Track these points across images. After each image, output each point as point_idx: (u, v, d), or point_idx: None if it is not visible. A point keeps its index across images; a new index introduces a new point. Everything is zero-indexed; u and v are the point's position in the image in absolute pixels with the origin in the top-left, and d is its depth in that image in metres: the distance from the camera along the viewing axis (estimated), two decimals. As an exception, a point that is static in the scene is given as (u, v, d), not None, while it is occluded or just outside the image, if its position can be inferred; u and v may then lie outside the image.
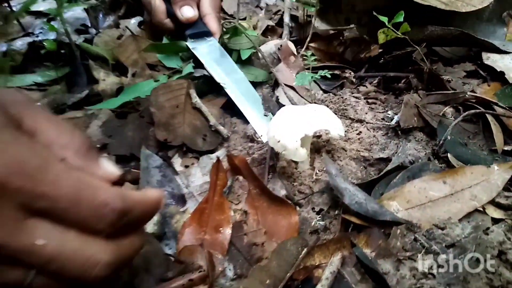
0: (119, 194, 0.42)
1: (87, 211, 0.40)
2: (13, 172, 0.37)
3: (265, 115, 0.85)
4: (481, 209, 0.59)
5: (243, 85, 0.91)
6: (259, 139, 0.79)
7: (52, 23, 1.00)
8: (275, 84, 0.93)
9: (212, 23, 1.02)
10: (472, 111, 0.75)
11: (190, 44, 0.99)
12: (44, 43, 0.94)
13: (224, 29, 1.04)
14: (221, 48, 0.98)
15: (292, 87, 0.91)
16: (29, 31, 1.08)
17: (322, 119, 0.66)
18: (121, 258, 0.43)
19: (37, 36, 1.05)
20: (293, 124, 0.65)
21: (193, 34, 1.00)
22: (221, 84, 0.90)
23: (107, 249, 0.42)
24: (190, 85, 0.88)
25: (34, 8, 1.11)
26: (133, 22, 1.14)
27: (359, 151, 0.73)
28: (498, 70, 0.89)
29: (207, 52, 0.97)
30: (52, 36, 1.00)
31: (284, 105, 0.80)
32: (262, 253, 0.58)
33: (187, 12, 1.00)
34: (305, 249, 0.55)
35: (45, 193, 0.38)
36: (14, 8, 1.06)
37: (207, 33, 1.01)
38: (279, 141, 0.63)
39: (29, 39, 1.03)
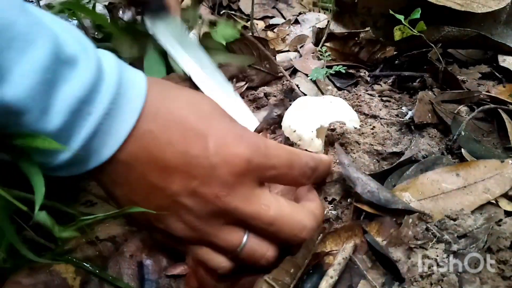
0: (311, 154, 0.55)
1: (297, 172, 0.52)
2: (253, 151, 0.47)
3: None
4: (494, 201, 0.58)
5: (217, 78, 0.83)
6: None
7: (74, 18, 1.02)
8: (292, 74, 0.94)
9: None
10: (487, 106, 0.75)
11: (148, 22, 0.82)
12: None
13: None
14: (184, 30, 0.84)
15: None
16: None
17: (338, 111, 0.67)
18: (318, 224, 0.53)
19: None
20: (309, 115, 0.66)
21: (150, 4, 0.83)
22: (190, 76, 0.81)
23: (309, 215, 0.51)
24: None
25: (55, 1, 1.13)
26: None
27: (372, 145, 0.73)
28: (514, 72, 0.89)
29: (170, 35, 0.82)
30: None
31: (301, 96, 0.81)
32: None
33: None
34: (320, 235, 0.55)
35: (274, 164, 0.49)
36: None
37: (164, 8, 0.83)
38: (294, 131, 0.64)
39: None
